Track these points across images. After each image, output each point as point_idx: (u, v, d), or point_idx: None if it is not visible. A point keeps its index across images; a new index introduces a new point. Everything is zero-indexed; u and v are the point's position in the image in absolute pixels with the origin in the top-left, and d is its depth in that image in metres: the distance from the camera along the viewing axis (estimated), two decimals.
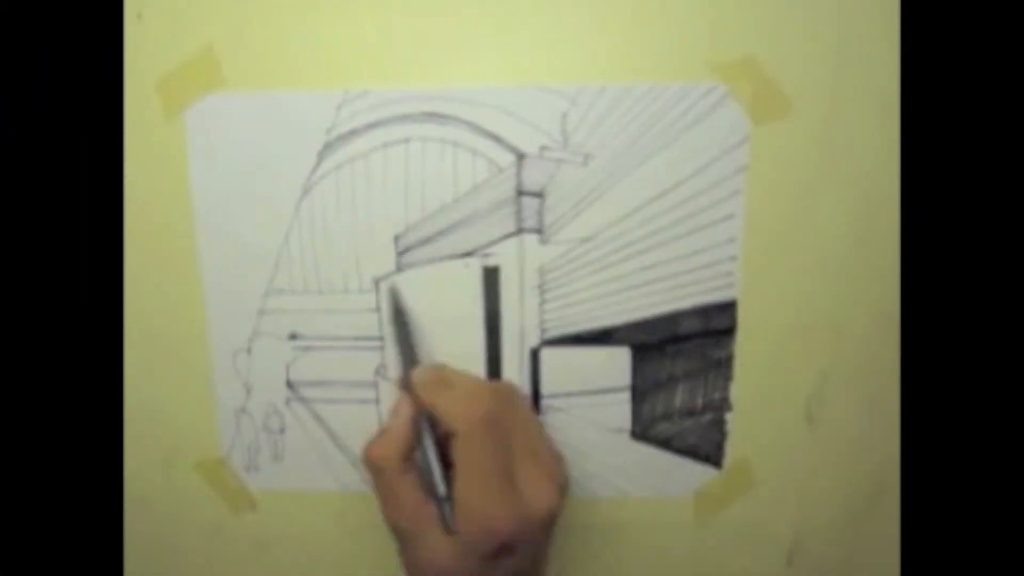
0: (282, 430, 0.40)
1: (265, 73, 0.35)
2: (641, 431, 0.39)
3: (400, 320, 0.37)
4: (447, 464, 0.34)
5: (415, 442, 0.34)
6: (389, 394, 0.39)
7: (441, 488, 0.33)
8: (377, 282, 0.38)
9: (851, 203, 0.35)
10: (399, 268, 0.37)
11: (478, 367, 0.38)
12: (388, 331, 0.37)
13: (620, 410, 0.38)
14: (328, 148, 0.36)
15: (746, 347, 0.37)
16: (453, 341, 0.38)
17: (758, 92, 0.34)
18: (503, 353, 0.38)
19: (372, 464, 0.34)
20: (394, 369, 0.39)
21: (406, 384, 0.36)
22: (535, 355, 0.38)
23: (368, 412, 0.39)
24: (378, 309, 0.38)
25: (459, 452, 0.32)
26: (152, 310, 0.38)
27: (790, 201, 0.35)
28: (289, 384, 0.40)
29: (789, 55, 0.34)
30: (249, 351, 0.39)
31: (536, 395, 0.39)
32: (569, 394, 0.39)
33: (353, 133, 0.36)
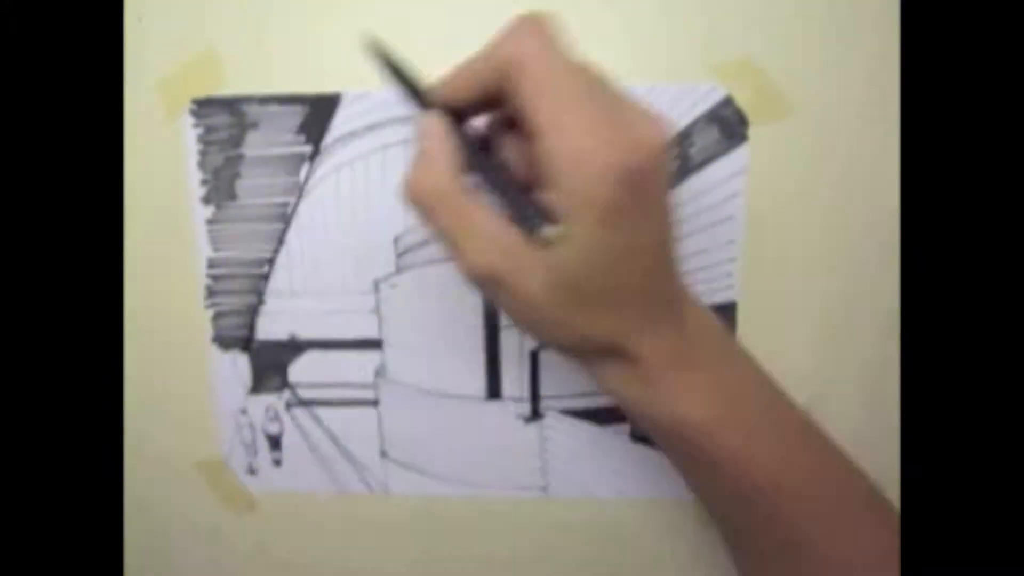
0: (281, 432, 0.40)
1: (265, 75, 0.35)
2: (641, 432, 0.39)
3: (388, 60, 0.29)
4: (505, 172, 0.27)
5: (460, 157, 0.27)
6: (389, 395, 0.39)
7: (512, 197, 0.26)
8: (377, 283, 0.38)
9: (851, 204, 0.35)
10: (398, 269, 0.37)
11: (478, 367, 0.38)
12: (384, 76, 0.30)
13: (620, 411, 0.38)
14: (327, 150, 0.36)
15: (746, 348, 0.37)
16: (453, 342, 0.38)
17: (757, 93, 0.34)
18: (503, 354, 0.38)
19: (425, 198, 0.27)
20: (392, 372, 0.39)
21: (425, 103, 0.28)
22: (535, 356, 0.38)
23: (368, 414, 0.39)
24: (378, 310, 0.38)
25: (538, 93, 0.25)
26: (152, 311, 0.38)
27: (790, 202, 0.35)
28: (289, 386, 0.40)
29: (788, 56, 0.34)
30: (249, 352, 0.39)
31: (536, 396, 0.38)
32: (569, 395, 0.39)
33: (352, 135, 0.36)
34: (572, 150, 0.24)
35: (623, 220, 0.25)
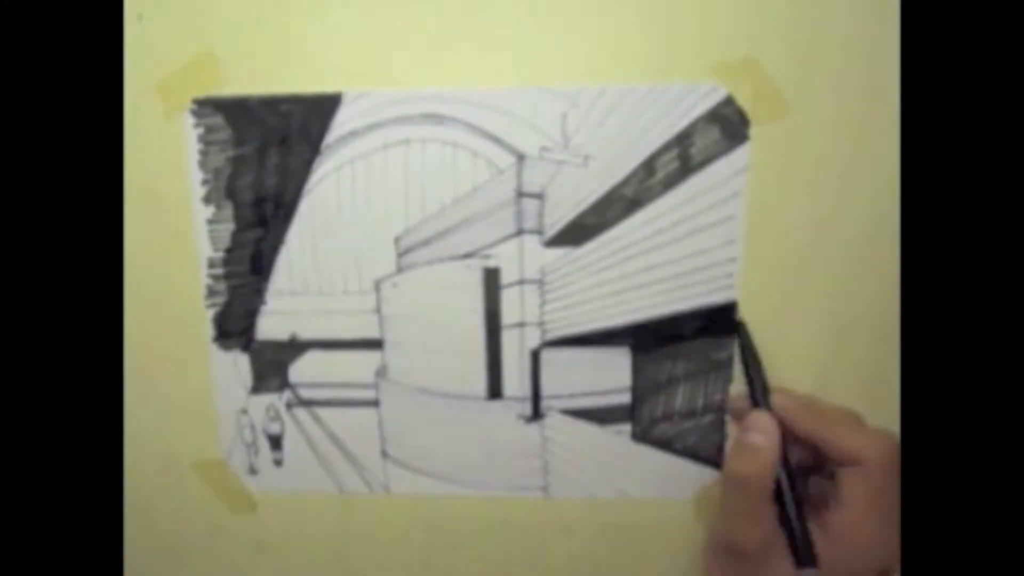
0: (282, 431, 0.40)
1: (265, 75, 0.35)
2: (641, 432, 0.39)
3: (750, 349, 0.36)
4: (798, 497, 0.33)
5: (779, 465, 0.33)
6: (390, 395, 0.39)
7: (804, 550, 0.32)
8: (378, 283, 0.38)
9: (851, 203, 0.35)
10: (399, 269, 0.37)
11: (479, 367, 0.38)
12: (738, 358, 0.37)
13: (620, 411, 0.38)
14: (328, 149, 0.36)
15: None
16: (454, 342, 0.38)
17: (758, 93, 0.34)
18: (503, 354, 0.38)
19: (743, 480, 0.33)
20: (393, 372, 0.39)
21: (757, 404, 0.35)
22: (535, 356, 0.38)
23: (368, 414, 0.39)
24: (378, 310, 0.38)
25: (859, 485, 0.32)
26: (152, 310, 0.38)
27: (790, 202, 0.35)
28: (289, 385, 0.40)
29: (789, 56, 0.34)
30: (249, 352, 0.39)
31: (536, 396, 0.38)
32: (569, 395, 0.39)
33: (353, 134, 0.36)
34: (854, 535, 0.31)
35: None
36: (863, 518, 0.31)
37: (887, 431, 0.33)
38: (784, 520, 0.32)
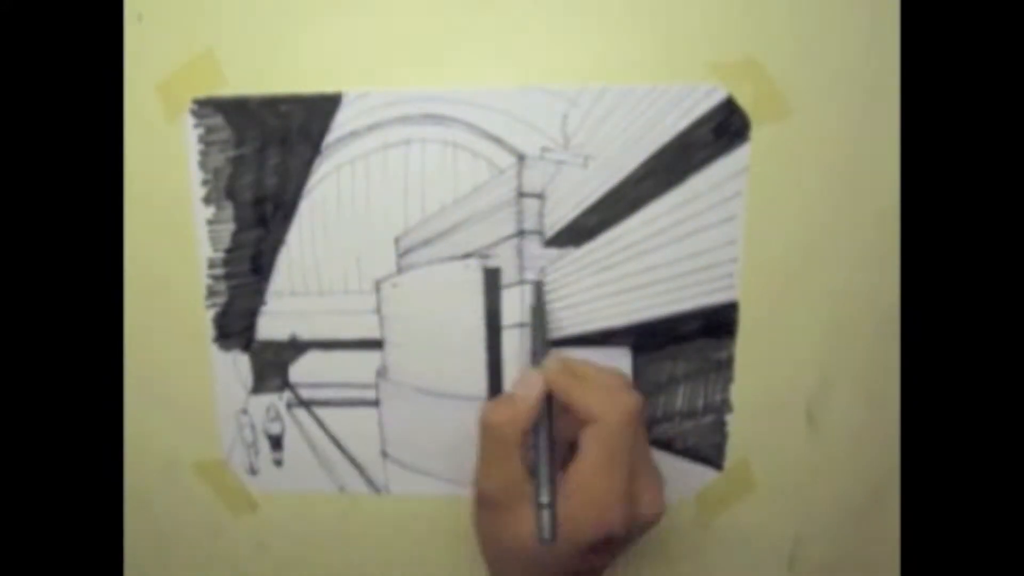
0: (282, 432, 0.40)
1: (265, 75, 0.35)
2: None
3: (539, 310, 0.36)
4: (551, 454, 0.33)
5: (536, 421, 0.33)
6: (390, 395, 0.39)
7: (546, 495, 0.32)
8: (378, 283, 0.38)
9: (851, 204, 0.35)
10: (400, 269, 0.37)
11: (479, 368, 0.38)
12: (529, 318, 0.37)
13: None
14: (328, 150, 0.36)
15: (747, 349, 0.37)
16: (454, 342, 0.38)
17: (759, 93, 0.34)
18: (504, 354, 0.38)
19: (493, 426, 0.33)
20: (393, 372, 0.39)
21: (537, 363, 0.35)
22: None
23: (368, 414, 0.39)
24: (379, 310, 0.38)
25: (594, 440, 0.32)
26: (152, 311, 0.38)
27: (790, 202, 0.35)
28: (289, 386, 0.40)
29: (790, 56, 0.34)
30: (249, 352, 0.39)
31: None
32: None
33: (353, 135, 0.36)
34: (588, 499, 0.31)
35: (591, 554, 0.32)
36: (593, 474, 0.31)
37: (633, 393, 0.33)
38: (534, 471, 0.33)
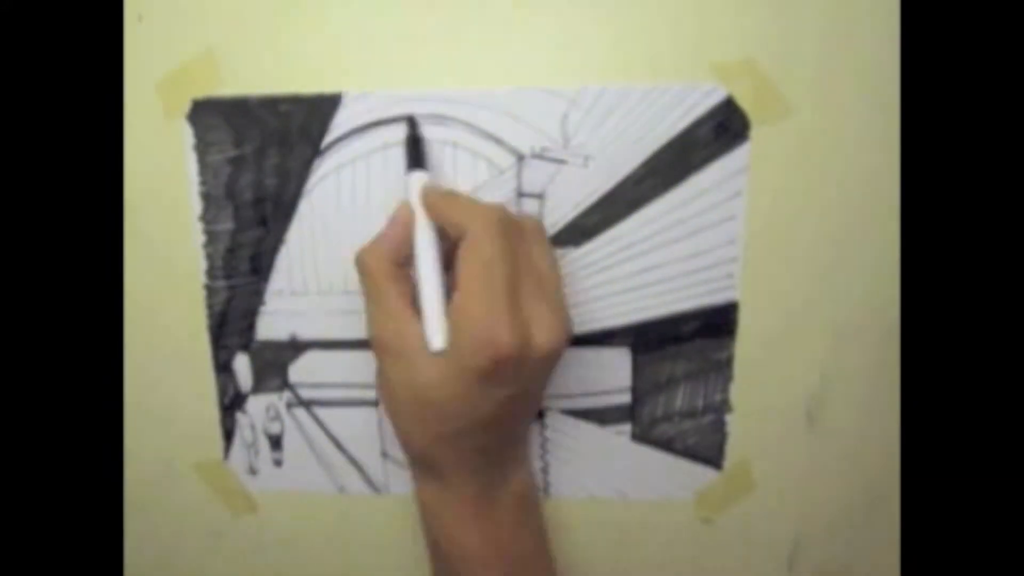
0: (282, 432, 0.40)
1: (265, 75, 0.35)
2: (641, 432, 0.39)
3: (414, 139, 0.35)
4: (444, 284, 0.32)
5: (410, 251, 0.33)
6: None
7: (433, 302, 0.31)
8: None
9: (851, 204, 0.35)
10: None
11: None
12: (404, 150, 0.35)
13: (620, 411, 0.38)
14: (328, 149, 0.36)
15: (746, 348, 0.37)
16: None
17: (758, 93, 0.34)
18: None
19: (362, 265, 0.33)
20: None
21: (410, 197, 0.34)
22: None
23: (368, 414, 0.39)
24: None
25: (466, 255, 0.30)
26: (152, 311, 0.38)
27: (790, 202, 0.35)
28: (289, 386, 0.40)
29: (789, 56, 0.34)
30: (249, 352, 0.39)
31: None
32: (569, 395, 0.39)
33: (353, 134, 0.36)
34: (470, 321, 0.30)
35: (487, 385, 0.31)
36: (469, 294, 0.30)
37: (498, 205, 0.32)
38: (420, 306, 0.32)
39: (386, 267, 0.32)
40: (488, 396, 0.31)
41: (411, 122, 0.35)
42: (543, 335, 0.31)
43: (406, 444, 0.34)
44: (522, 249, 0.32)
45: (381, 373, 0.33)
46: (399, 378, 0.32)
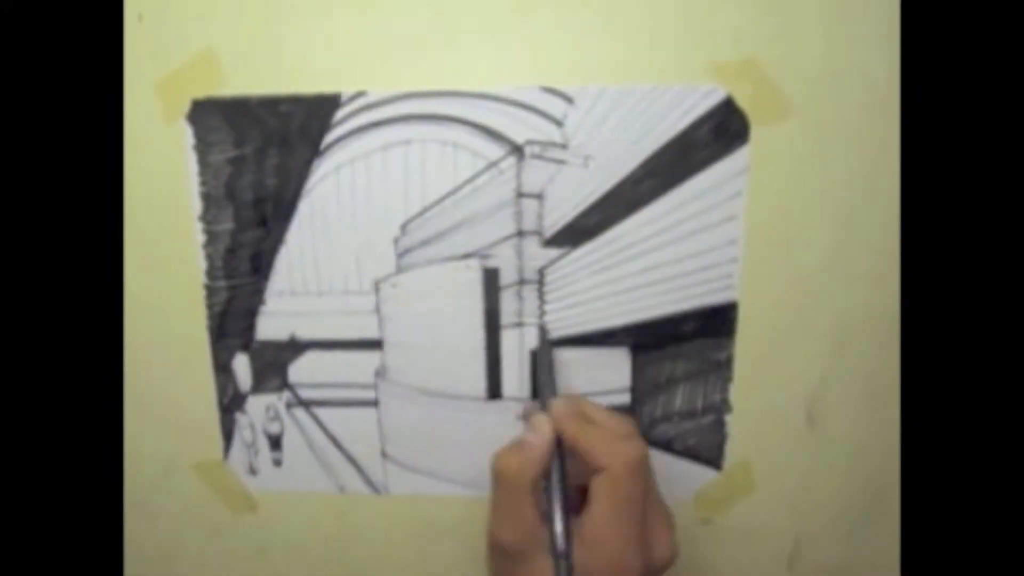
0: (282, 431, 0.40)
1: (265, 75, 0.35)
2: (641, 433, 0.39)
3: (546, 352, 0.37)
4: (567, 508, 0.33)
5: (548, 466, 0.33)
6: (390, 395, 0.39)
7: (561, 543, 0.32)
8: (378, 283, 0.38)
9: (851, 205, 0.35)
10: (399, 269, 0.37)
11: (479, 368, 0.38)
12: (535, 361, 0.38)
13: (620, 411, 0.38)
14: (328, 150, 0.36)
15: (746, 349, 0.37)
16: (453, 343, 0.38)
17: (758, 94, 0.34)
18: (503, 355, 0.38)
19: (505, 475, 0.33)
20: (392, 372, 0.39)
21: (543, 409, 0.35)
22: (535, 357, 0.38)
23: (368, 414, 0.39)
24: (378, 310, 0.38)
25: (603, 491, 0.32)
26: (152, 312, 0.38)
27: (790, 203, 0.35)
28: (289, 386, 0.40)
29: (789, 57, 0.34)
30: (249, 352, 0.39)
31: (536, 397, 0.38)
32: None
33: (353, 134, 0.36)
34: (603, 547, 0.31)
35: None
36: (606, 525, 0.31)
37: (638, 442, 0.33)
38: (548, 517, 0.32)
39: (528, 483, 0.32)
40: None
41: (542, 333, 0.37)
42: (662, 551, 0.32)
43: None
44: (647, 476, 0.33)
45: (500, 570, 0.34)
46: None
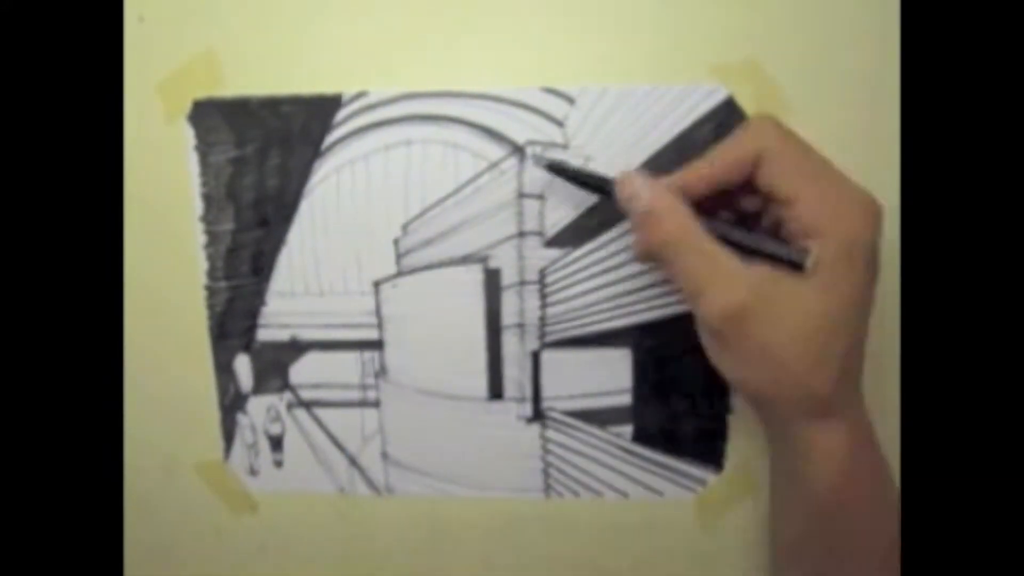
0: (283, 432, 0.40)
1: (265, 76, 0.35)
2: (642, 434, 0.39)
3: (568, 171, 0.34)
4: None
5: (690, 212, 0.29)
6: (390, 396, 0.39)
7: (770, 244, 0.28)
8: (378, 284, 0.38)
9: None
10: (399, 270, 0.37)
11: (479, 368, 0.38)
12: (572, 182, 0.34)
13: (621, 413, 0.38)
14: (329, 150, 0.36)
15: None
16: (454, 343, 0.38)
17: (759, 94, 0.34)
18: (504, 355, 0.38)
19: (666, 248, 0.29)
20: (393, 373, 0.39)
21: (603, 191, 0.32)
22: (536, 357, 0.38)
23: (369, 415, 0.39)
24: (378, 311, 0.38)
25: (791, 176, 0.28)
26: (153, 312, 0.38)
27: None
28: (289, 386, 0.40)
29: (790, 57, 0.34)
30: (250, 353, 0.39)
31: (537, 397, 0.38)
32: (570, 396, 0.39)
33: (354, 135, 0.36)
34: (824, 213, 0.28)
35: (858, 268, 0.28)
36: (815, 190, 0.28)
37: (863, 190, 0.29)
38: (744, 247, 0.29)
39: (695, 230, 0.28)
40: (870, 292, 0.29)
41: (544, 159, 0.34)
42: (872, 205, 0.29)
43: (805, 395, 0.29)
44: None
45: (739, 340, 0.29)
46: (782, 321, 0.28)
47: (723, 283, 0.28)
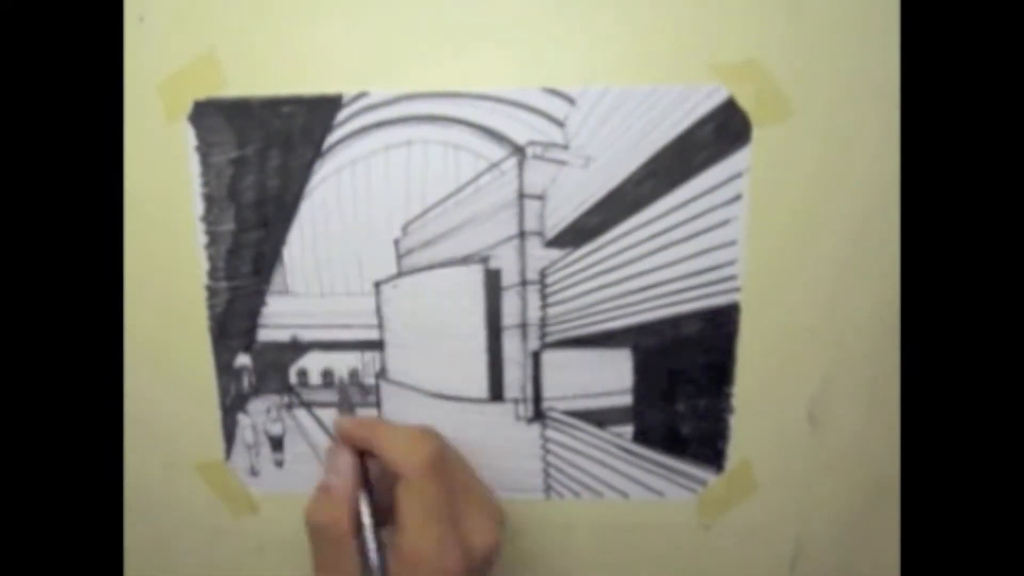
0: (283, 433, 0.40)
1: (266, 76, 0.35)
2: (642, 434, 0.39)
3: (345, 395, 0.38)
4: (379, 519, 0.33)
5: (358, 503, 0.33)
6: (391, 396, 0.39)
7: (375, 559, 0.32)
8: (379, 285, 0.38)
9: (852, 205, 0.35)
10: (400, 271, 0.37)
11: (480, 369, 0.38)
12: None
13: (621, 413, 0.38)
14: (329, 151, 0.36)
15: (748, 350, 0.37)
16: (455, 344, 0.38)
17: (760, 94, 0.34)
18: (504, 356, 0.38)
19: (321, 529, 0.33)
20: (393, 373, 0.39)
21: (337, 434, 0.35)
22: (537, 358, 0.38)
23: (369, 415, 0.39)
24: (379, 311, 0.38)
25: (406, 497, 0.32)
26: (152, 313, 0.38)
27: (792, 204, 0.35)
28: (290, 387, 0.40)
29: (791, 58, 0.34)
30: (250, 353, 0.39)
31: (538, 398, 0.38)
32: (571, 397, 0.39)
33: (354, 135, 0.36)
34: (416, 553, 0.31)
35: None
36: (415, 530, 0.31)
37: (431, 438, 0.33)
38: (363, 554, 0.32)
39: (343, 531, 0.32)
40: None
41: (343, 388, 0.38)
42: (481, 539, 0.32)
43: None
44: (450, 470, 0.33)
45: None
46: None
47: None
